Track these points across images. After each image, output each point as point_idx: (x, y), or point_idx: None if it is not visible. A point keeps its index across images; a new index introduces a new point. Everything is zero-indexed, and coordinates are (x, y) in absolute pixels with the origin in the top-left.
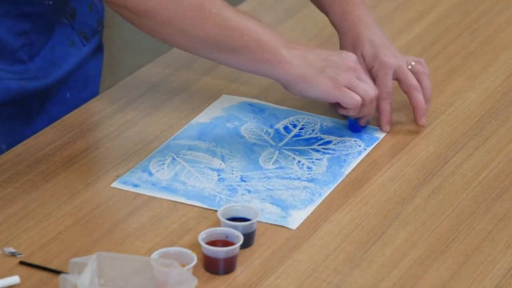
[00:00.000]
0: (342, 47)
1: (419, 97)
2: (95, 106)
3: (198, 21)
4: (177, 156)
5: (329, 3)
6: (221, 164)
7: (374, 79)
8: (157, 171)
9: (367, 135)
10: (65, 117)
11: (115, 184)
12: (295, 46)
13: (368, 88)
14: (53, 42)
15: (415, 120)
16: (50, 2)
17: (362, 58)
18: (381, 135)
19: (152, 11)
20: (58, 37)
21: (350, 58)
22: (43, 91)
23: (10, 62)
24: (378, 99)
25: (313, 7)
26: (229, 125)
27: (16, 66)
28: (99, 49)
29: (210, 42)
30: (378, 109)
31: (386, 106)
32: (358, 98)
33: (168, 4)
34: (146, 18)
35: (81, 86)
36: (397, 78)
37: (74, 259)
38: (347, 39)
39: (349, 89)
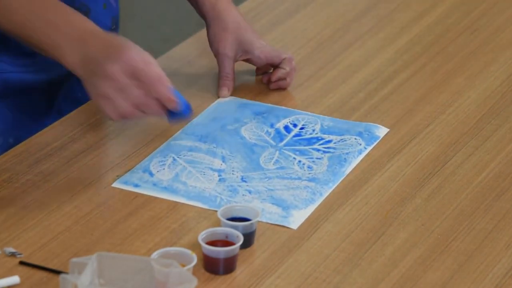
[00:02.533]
0: (211, 30)
1: (282, 71)
2: (95, 106)
3: None
4: (178, 157)
5: None
6: (221, 164)
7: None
8: (158, 171)
9: (368, 133)
10: (64, 117)
11: (115, 184)
12: (84, 42)
13: (118, 104)
14: None
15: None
16: None
17: (230, 45)
18: (381, 134)
19: None
20: None
21: (114, 65)
22: (51, 85)
23: (17, 54)
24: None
25: (313, 7)
26: (229, 126)
27: (22, 59)
28: None
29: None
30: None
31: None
32: (112, 111)
33: None
34: None
35: None
36: (270, 63)
37: (74, 259)
38: (217, 24)
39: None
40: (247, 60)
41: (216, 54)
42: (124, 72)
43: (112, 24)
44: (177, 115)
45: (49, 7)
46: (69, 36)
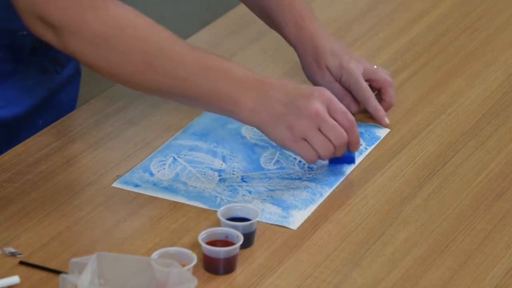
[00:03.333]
0: (303, 62)
1: (392, 93)
2: (95, 106)
3: (147, 77)
4: (178, 157)
5: (284, 20)
6: (222, 164)
7: (347, 88)
8: (158, 171)
9: (369, 134)
10: (64, 117)
11: (116, 184)
12: (256, 85)
13: (324, 143)
14: (22, 70)
15: (379, 120)
16: (25, 33)
17: (328, 70)
18: (382, 134)
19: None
20: (28, 65)
21: (314, 103)
22: (14, 120)
23: None
24: (363, 102)
25: (313, 7)
26: (230, 125)
27: None
28: (76, 75)
29: (157, 89)
30: (369, 111)
31: (374, 105)
32: (312, 155)
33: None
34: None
35: (54, 112)
36: (367, 80)
37: (74, 259)
38: (307, 54)
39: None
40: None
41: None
42: (326, 111)
43: None
44: (341, 160)
45: (210, 59)
46: (243, 83)
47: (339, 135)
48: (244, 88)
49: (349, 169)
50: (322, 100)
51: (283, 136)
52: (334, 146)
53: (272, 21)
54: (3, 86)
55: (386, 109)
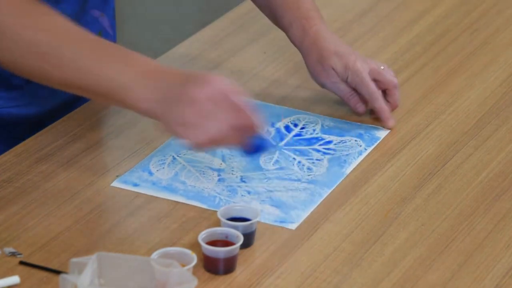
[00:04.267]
0: (307, 64)
1: (397, 94)
2: (95, 106)
3: (44, 69)
4: (178, 156)
5: (288, 21)
6: (221, 164)
7: (354, 88)
8: (157, 170)
9: (368, 135)
10: (65, 117)
11: (115, 184)
12: (151, 76)
13: (216, 126)
14: None
15: (384, 121)
16: None
17: (333, 71)
18: (382, 135)
19: None
20: None
21: (207, 90)
22: (40, 118)
23: (7, 87)
24: (370, 102)
25: None
26: None
27: (13, 92)
28: None
29: (49, 79)
30: (375, 111)
31: (381, 105)
32: (202, 138)
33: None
34: None
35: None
36: (373, 80)
37: (74, 259)
38: (311, 57)
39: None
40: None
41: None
42: (211, 98)
43: None
44: (257, 148)
45: (106, 50)
46: (138, 75)
47: (232, 117)
48: (138, 80)
49: (349, 169)
50: (215, 86)
51: (169, 122)
52: (232, 130)
53: (277, 21)
54: (31, 83)
55: (390, 111)
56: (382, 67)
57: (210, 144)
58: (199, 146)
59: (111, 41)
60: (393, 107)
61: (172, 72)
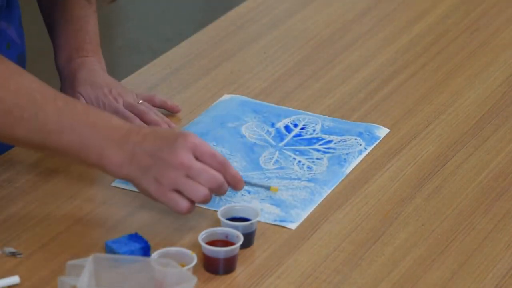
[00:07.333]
0: (62, 85)
1: (153, 116)
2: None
3: (6, 126)
4: None
5: (63, 41)
6: None
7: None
8: None
9: (368, 134)
10: None
11: (115, 183)
12: (123, 139)
13: (195, 188)
14: None
15: (170, 110)
16: None
17: (81, 96)
18: (382, 134)
19: None
20: None
21: (178, 152)
22: None
23: None
24: (150, 122)
25: (313, 7)
26: (230, 124)
27: None
28: None
29: (24, 144)
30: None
31: (152, 118)
32: (183, 205)
33: None
34: None
35: None
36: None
37: (71, 262)
38: (66, 82)
39: (178, 190)
40: None
41: None
42: (193, 158)
43: (19, 62)
44: None
45: (78, 112)
46: (110, 137)
47: (210, 177)
48: (111, 143)
49: (349, 168)
50: (186, 147)
51: (153, 188)
52: (210, 190)
53: (52, 33)
54: None
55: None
56: (140, 101)
57: (205, 202)
58: (190, 210)
59: (20, 51)
60: (175, 111)
61: (145, 132)
